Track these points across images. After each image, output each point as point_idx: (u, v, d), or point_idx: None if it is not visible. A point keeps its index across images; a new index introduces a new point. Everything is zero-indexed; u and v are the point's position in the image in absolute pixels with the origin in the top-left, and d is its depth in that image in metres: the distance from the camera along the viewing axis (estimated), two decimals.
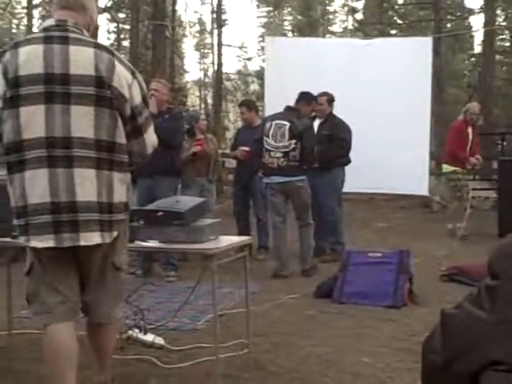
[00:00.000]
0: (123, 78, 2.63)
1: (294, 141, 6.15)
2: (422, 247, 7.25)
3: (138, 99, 2.68)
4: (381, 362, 3.68)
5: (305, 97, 6.45)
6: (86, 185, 2.55)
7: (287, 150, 6.15)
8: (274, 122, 6.32)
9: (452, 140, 8.48)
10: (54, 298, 2.66)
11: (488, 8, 17.99)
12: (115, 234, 2.67)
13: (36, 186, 2.52)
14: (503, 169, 8.72)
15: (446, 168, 8.64)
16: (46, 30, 2.63)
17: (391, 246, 6.81)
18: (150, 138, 2.81)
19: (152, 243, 3.27)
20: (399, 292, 4.94)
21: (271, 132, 6.27)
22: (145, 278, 5.69)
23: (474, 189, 8.62)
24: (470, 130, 8.44)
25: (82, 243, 2.56)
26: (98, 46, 2.65)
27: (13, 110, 2.53)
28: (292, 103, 6.47)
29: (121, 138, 2.66)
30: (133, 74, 2.70)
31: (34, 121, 2.52)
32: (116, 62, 2.63)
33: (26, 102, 2.52)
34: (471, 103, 9.10)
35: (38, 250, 2.61)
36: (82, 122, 2.55)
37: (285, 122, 6.24)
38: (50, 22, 2.66)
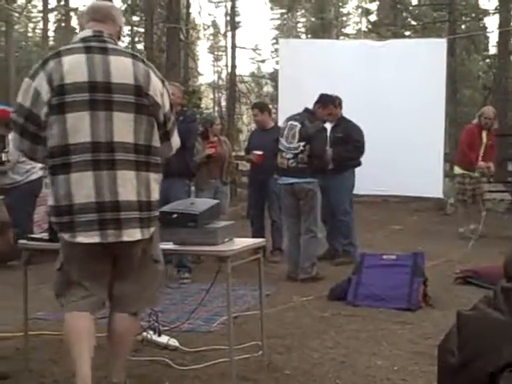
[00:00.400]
0: (157, 86, 2.85)
1: (302, 143, 6.13)
2: (437, 250, 7.22)
3: (167, 106, 2.91)
4: (395, 364, 3.67)
5: (321, 99, 6.41)
6: (127, 186, 2.76)
7: (296, 151, 6.15)
8: (288, 123, 6.33)
9: (464, 142, 8.45)
10: (80, 293, 2.85)
11: (503, 9, 17.88)
12: (153, 229, 2.88)
13: (82, 187, 2.71)
14: None
15: (457, 170, 8.63)
16: (84, 40, 2.83)
17: (405, 249, 6.79)
18: (175, 140, 3.07)
19: (166, 245, 3.28)
20: (414, 295, 4.92)
21: (285, 133, 6.28)
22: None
23: (489, 191, 8.56)
24: (484, 134, 8.39)
25: (125, 239, 2.76)
26: (134, 56, 2.88)
27: (59, 116, 2.71)
28: (305, 105, 6.47)
29: (156, 142, 2.88)
30: (163, 82, 2.93)
31: (79, 127, 2.70)
32: (150, 72, 2.86)
33: (72, 109, 2.70)
34: (486, 107, 9.05)
35: (77, 246, 2.77)
36: (123, 127, 2.76)
37: (297, 123, 6.24)
38: (88, 32, 2.87)
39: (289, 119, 6.41)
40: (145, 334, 3.93)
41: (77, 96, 2.70)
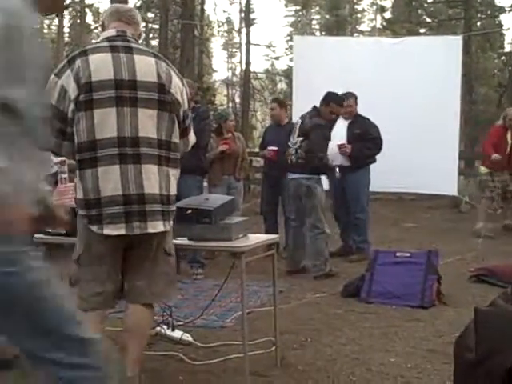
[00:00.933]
0: (177, 85, 2.95)
1: (300, 138, 6.18)
2: (451, 247, 7.18)
3: (186, 104, 3.02)
4: (408, 362, 3.66)
5: (324, 97, 6.42)
6: (151, 179, 2.84)
7: (296, 146, 6.21)
8: (296, 120, 6.44)
9: (487, 143, 8.43)
10: (92, 288, 2.89)
11: None
12: (171, 222, 2.96)
13: (109, 180, 2.79)
14: None
15: (483, 170, 8.62)
16: (109, 39, 2.93)
17: (419, 246, 6.78)
18: (192, 137, 3.15)
19: (180, 240, 3.29)
20: (427, 292, 4.91)
21: (292, 129, 6.41)
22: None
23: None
24: (509, 134, 8.36)
25: (150, 231, 2.84)
26: (156, 56, 2.97)
27: (87, 112, 2.79)
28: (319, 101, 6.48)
29: (176, 138, 2.97)
30: (182, 81, 3.02)
31: (106, 122, 2.79)
32: (172, 72, 2.96)
33: (99, 106, 2.79)
34: (509, 108, 9.00)
35: (104, 238, 2.83)
36: (147, 123, 2.85)
37: (299, 120, 6.37)
38: (112, 32, 2.96)
39: (300, 116, 6.47)
40: (158, 328, 3.95)
41: (103, 93, 2.79)
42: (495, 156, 8.15)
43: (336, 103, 6.39)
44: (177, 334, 3.95)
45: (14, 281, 1.63)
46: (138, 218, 2.81)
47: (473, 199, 11.51)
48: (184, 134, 3.06)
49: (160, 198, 2.86)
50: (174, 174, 2.96)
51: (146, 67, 2.88)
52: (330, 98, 6.39)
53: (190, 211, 3.35)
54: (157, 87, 2.87)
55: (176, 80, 2.97)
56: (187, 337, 3.94)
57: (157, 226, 2.86)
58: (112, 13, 3.06)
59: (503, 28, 25.72)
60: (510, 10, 22.74)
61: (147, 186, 2.82)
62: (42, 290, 1.70)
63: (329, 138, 6.39)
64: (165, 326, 3.97)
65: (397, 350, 3.89)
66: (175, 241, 3.25)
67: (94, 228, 2.83)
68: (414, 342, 4.04)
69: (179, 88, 2.97)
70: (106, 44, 2.91)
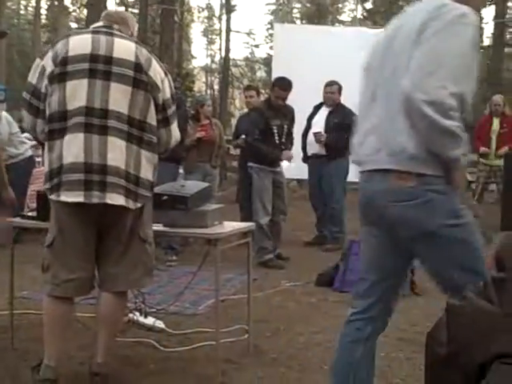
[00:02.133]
0: (157, 71, 2.93)
1: None
2: None
3: (168, 94, 2.97)
4: (381, 351, 3.65)
5: (272, 82, 6.54)
6: (116, 152, 2.79)
7: None
8: None
9: (475, 137, 8.55)
10: (65, 274, 2.86)
11: (498, 0, 17.87)
12: (139, 205, 2.89)
13: (72, 147, 2.76)
14: (508, 162, 8.68)
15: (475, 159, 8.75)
16: (94, 28, 2.99)
17: None
18: (175, 130, 3.08)
19: (156, 227, 3.27)
20: None
21: None
22: None
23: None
24: (496, 121, 8.47)
25: (108, 201, 2.77)
26: (138, 43, 2.97)
27: (60, 84, 2.80)
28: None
29: (152, 120, 2.91)
30: (165, 72, 3.01)
31: (77, 93, 2.79)
32: (153, 59, 2.95)
33: (72, 77, 2.80)
34: (495, 95, 9.12)
35: (63, 207, 2.81)
36: (120, 98, 2.82)
37: None
38: (98, 23, 3.02)
39: None
40: (131, 315, 3.92)
41: (77, 65, 2.80)
42: (483, 150, 8.28)
43: (279, 87, 6.29)
44: (149, 320, 3.93)
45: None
46: (97, 187, 2.76)
47: None
48: (166, 123, 3.00)
49: (125, 174, 2.81)
50: (148, 157, 2.90)
51: (124, 47, 2.88)
52: (274, 83, 6.41)
53: (165, 197, 3.32)
54: (133, 65, 2.85)
55: (157, 66, 2.94)
56: (159, 324, 3.92)
57: (116, 199, 2.79)
58: (103, 15, 3.11)
59: (483, 21, 25.92)
60: (489, 4, 22.86)
61: (111, 158, 2.78)
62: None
63: (257, 122, 6.28)
64: (137, 313, 3.95)
65: None
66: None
67: (53, 196, 2.81)
68: (386, 331, 4.02)
69: (159, 75, 2.94)
70: (89, 30, 2.99)
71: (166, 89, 2.97)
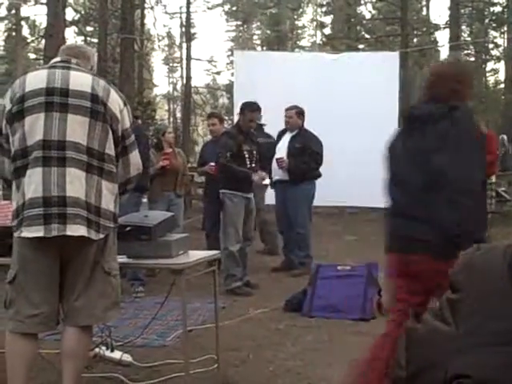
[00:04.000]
0: (116, 102, 2.94)
1: None
2: None
3: (127, 124, 2.99)
4: (350, 375, 3.66)
5: (240, 109, 6.52)
6: (75, 183, 2.77)
7: None
8: None
9: None
10: (28, 310, 2.82)
11: (453, 24, 18.35)
12: (102, 236, 2.85)
13: (32, 182, 2.76)
14: None
15: None
16: (51, 63, 3.01)
17: (361, 259, 6.83)
18: (134, 158, 3.06)
19: (120, 258, 3.23)
20: (368, 305, 4.96)
21: None
22: None
23: None
24: None
25: (69, 233, 2.73)
26: (96, 75, 3.00)
27: (20, 121, 2.82)
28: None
29: (110, 150, 2.91)
30: (124, 103, 3.01)
31: (35, 127, 2.79)
32: (111, 89, 2.95)
33: (30, 112, 2.81)
34: None
35: (25, 243, 2.78)
36: (77, 128, 2.81)
37: None
38: (56, 59, 3.03)
39: None
40: (97, 349, 3.84)
41: (34, 100, 2.81)
42: None
43: (249, 110, 6.34)
44: (116, 354, 3.85)
45: None
46: (57, 220, 2.73)
47: None
48: (124, 152, 3.00)
49: (86, 205, 2.77)
50: (108, 187, 2.88)
51: (80, 79, 2.88)
52: (243, 107, 6.42)
53: (129, 228, 3.29)
54: (90, 96, 2.85)
55: (115, 97, 2.95)
56: (127, 357, 3.85)
57: (77, 230, 2.75)
58: (63, 49, 3.14)
59: (438, 44, 26.55)
60: (444, 27, 23.46)
61: (70, 189, 2.75)
62: None
63: (230, 146, 6.21)
64: (104, 347, 3.87)
65: (338, 363, 3.88)
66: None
67: (16, 233, 2.80)
68: (355, 354, 4.05)
69: (119, 105, 2.95)
70: (46, 66, 3.03)
71: (125, 119, 2.98)
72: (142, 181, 6.01)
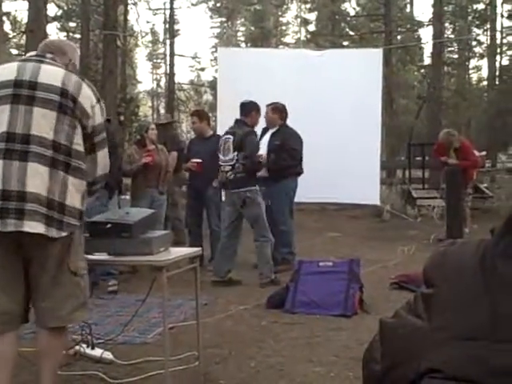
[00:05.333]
0: (88, 97, 2.88)
1: (236, 152, 6.25)
2: (373, 256, 7.34)
3: (98, 120, 2.92)
4: (331, 371, 3.69)
5: (248, 109, 6.53)
6: (36, 178, 2.69)
7: (232, 162, 6.25)
8: (224, 137, 6.47)
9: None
10: None
11: (436, 21, 18.42)
12: (64, 234, 2.74)
13: None
14: (449, 178, 8.97)
15: None
16: (26, 57, 3.01)
17: (342, 255, 6.87)
18: (102, 158, 2.99)
19: (100, 256, 3.21)
20: (350, 301, 4.97)
21: (221, 147, 6.41)
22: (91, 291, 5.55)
23: (421, 197, 8.87)
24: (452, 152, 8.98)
25: (26, 229, 2.64)
26: (69, 71, 2.92)
27: None
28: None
29: (79, 146, 2.84)
30: (98, 99, 2.96)
31: (0, 119, 2.73)
32: (84, 85, 2.90)
33: None
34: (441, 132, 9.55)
35: None
36: (43, 123, 2.75)
37: (230, 136, 6.37)
38: (31, 53, 3.00)
39: (224, 134, 6.53)
40: (77, 347, 3.83)
41: (2, 92, 2.77)
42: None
43: (256, 110, 6.57)
44: (97, 352, 3.83)
45: None
46: (14, 215, 2.63)
47: (394, 208, 11.84)
48: (92, 150, 2.93)
49: (47, 201, 2.68)
50: (75, 184, 2.79)
51: (51, 73, 2.84)
52: (252, 107, 6.50)
53: (109, 225, 3.28)
54: (59, 91, 2.80)
55: (87, 92, 2.90)
56: (108, 355, 3.83)
57: (35, 227, 2.65)
58: (41, 45, 3.10)
59: (422, 42, 26.70)
60: (428, 25, 23.56)
61: (30, 184, 2.67)
62: None
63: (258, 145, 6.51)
64: (84, 345, 3.85)
65: (320, 359, 3.91)
66: (93, 256, 3.18)
67: None
68: (336, 350, 4.08)
69: (91, 101, 2.90)
70: (19, 59, 2.99)
71: (97, 115, 2.92)
72: (111, 181, 5.88)
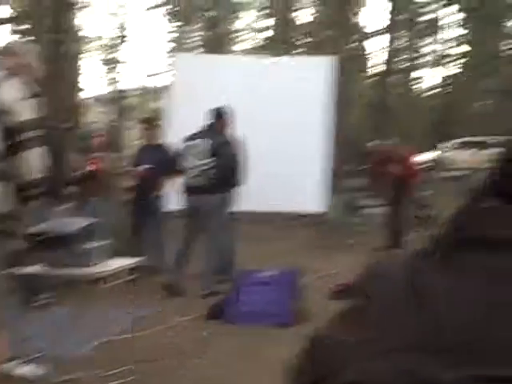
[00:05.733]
0: (9, 93, 2.78)
1: (211, 159, 6.19)
2: (317, 264, 7.35)
3: (24, 117, 2.79)
4: (272, 382, 3.69)
5: (221, 113, 6.56)
6: None
7: (205, 168, 6.18)
8: (192, 142, 6.34)
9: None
10: None
11: (386, 30, 18.76)
12: None
13: None
14: (390, 187, 9.24)
15: None
16: None
17: (286, 265, 6.88)
18: (32, 158, 2.86)
19: (35, 268, 3.15)
20: (289, 311, 4.99)
21: (191, 151, 6.30)
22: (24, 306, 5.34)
23: (365, 206, 9.02)
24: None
25: None
26: None
27: None
28: (198, 121, 6.48)
29: None
30: (30, 96, 2.88)
31: None
32: (8, 80, 2.82)
33: None
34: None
35: None
36: None
37: (202, 141, 6.29)
38: None
39: (192, 137, 6.40)
40: (5, 365, 3.69)
41: None
42: None
43: (225, 116, 6.60)
44: (30, 368, 3.72)
45: None
46: None
47: (338, 216, 11.93)
48: (15, 149, 2.84)
49: None
50: None
51: None
52: (222, 113, 6.58)
53: (45, 236, 3.22)
54: None
55: (10, 88, 2.82)
56: (39, 371, 3.71)
57: None
58: None
59: (371, 51, 27.15)
60: (378, 34, 23.97)
61: None
62: None
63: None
64: (16, 361, 3.72)
65: (260, 370, 3.91)
66: (27, 269, 3.12)
67: None
68: (275, 361, 4.08)
69: (13, 97, 2.81)
70: None
71: (21, 111, 2.81)
72: (55, 187, 5.77)
